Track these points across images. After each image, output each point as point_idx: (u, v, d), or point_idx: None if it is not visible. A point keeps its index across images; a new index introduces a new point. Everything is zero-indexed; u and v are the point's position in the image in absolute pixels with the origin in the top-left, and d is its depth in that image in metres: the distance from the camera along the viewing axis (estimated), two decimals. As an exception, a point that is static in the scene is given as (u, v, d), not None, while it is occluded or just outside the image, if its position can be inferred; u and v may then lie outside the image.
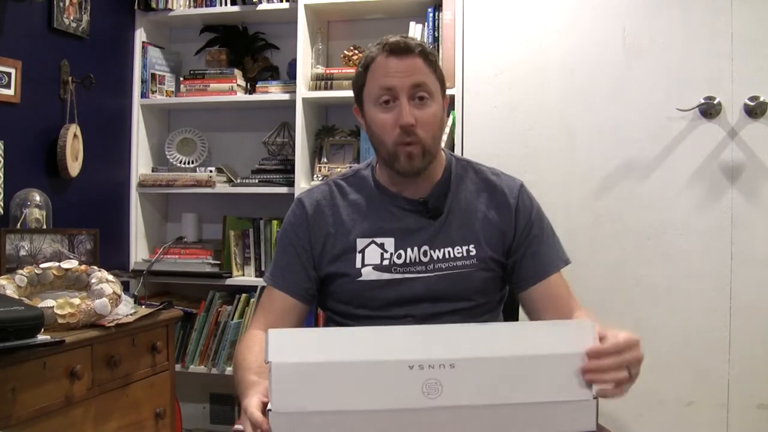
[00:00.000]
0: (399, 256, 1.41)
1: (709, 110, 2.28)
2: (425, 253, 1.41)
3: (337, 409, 0.99)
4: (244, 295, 2.67)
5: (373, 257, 1.41)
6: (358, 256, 1.42)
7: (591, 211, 2.37)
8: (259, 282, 2.66)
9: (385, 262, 1.41)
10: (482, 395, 1.01)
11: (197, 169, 2.78)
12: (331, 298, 1.47)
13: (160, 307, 2.14)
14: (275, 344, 1.00)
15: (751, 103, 2.24)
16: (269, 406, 1.00)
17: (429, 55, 1.38)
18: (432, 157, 1.40)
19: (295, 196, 1.58)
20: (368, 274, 1.40)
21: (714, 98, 2.27)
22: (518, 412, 1.03)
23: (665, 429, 2.31)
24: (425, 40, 2.48)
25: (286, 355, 0.99)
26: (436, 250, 1.42)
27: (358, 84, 1.42)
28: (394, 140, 1.36)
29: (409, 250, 1.41)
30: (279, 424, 0.99)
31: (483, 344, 1.05)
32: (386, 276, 1.40)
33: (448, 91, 1.62)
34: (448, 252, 1.42)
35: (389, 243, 1.42)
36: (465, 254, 1.42)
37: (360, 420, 1.00)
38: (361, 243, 1.42)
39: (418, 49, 1.35)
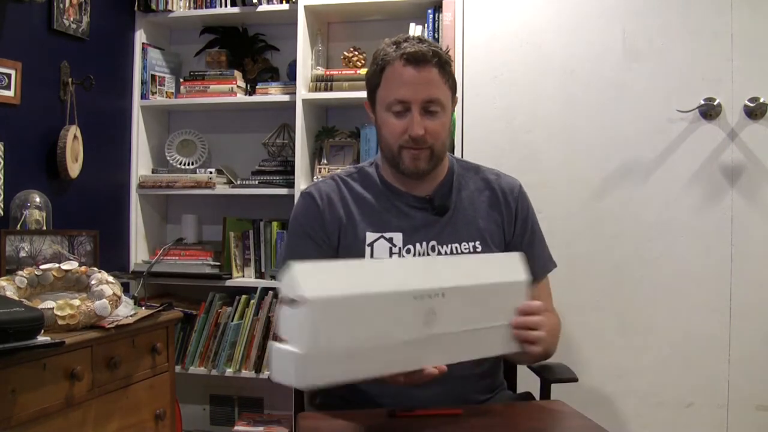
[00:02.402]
0: (408, 251, 1.44)
1: (709, 111, 2.28)
2: (433, 248, 1.45)
3: (360, 345, 1.01)
4: (244, 296, 2.67)
5: (382, 251, 1.43)
6: (367, 249, 1.44)
7: (591, 213, 2.37)
8: (259, 283, 2.66)
9: (394, 257, 1.43)
10: (462, 322, 1.13)
11: (197, 170, 2.78)
12: None
13: (160, 308, 2.14)
14: (305, 279, 0.97)
15: (751, 105, 2.24)
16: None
17: (444, 64, 1.40)
18: (438, 161, 1.45)
19: (300, 191, 1.58)
20: None
21: (714, 99, 2.27)
22: (483, 335, 1.17)
23: (665, 430, 2.31)
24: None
25: (320, 289, 0.97)
26: (444, 246, 1.45)
27: (372, 83, 1.45)
28: (401, 144, 1.40)
29: (417, 245, 1.44)
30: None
31: (461, 274, 1.14)
32: None
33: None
34: (455, 248, 1.45)
35: (398, 238, 1.44)
36: (471, 250, 1.46)
37: (375, 352, 1.03)
38: (370, 237, 1.45)
39: (434, 60, 1.38)
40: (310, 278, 0.98)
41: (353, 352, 1.00)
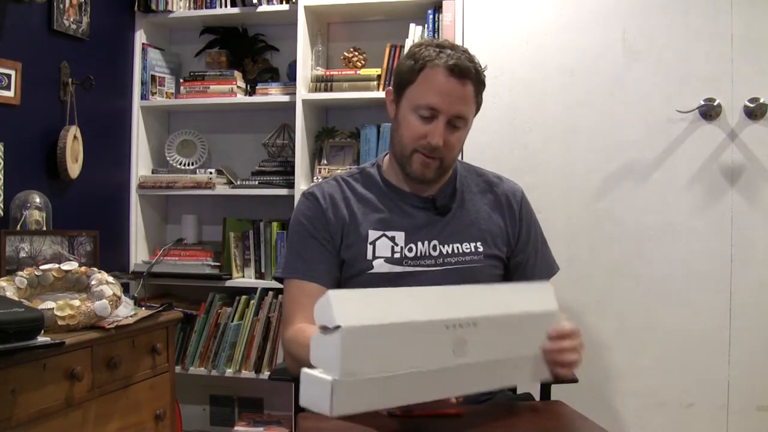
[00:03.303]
0: (410, 250, 1.44)
1: (709, 112, 2.28)
2: (434, 248, 1.45)
3: (391, 373, 1.00)
4: (244, 296, 2.67)
5: (384, 250, 1.44)
6: (369, 248, 1.44)
7: (591, 213, 2.37)
8: (259, 284, 2.66)
9: (396, 255, 1.44)
10: (493, 351, 1.12)
11: (197, 170, 2.78)
12: None
13: (160, 308, 2.15)
14: (339, 307, 0.97)
15: (751, 105, 2.24)
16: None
17: (480, 84, 1.42)
18: (444, 172, 1.46)
19: (301, 193, 1.58)
20: (380, 266, 1.43)
21: (714, 100, 2.27)
22: (513, 364, 1.17)
23: (665, 430, 2.30)
24: (425, 41, 2.48)
25: (353, 318, 0.97)
26: (446, 245, 1.46)
27: (404, 78, 1.42)
28: (415, 147, 1.41)
29: (419, 243, 1.45)
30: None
31: (492, 303, 1.14)
32: (398, 269, 1.43)
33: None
34: (457, 248, 1.46)
35: (400, 237, 1.45)
36: (473, 250, 1.47)
37: (404, 381, 1.02)
38: (372, 235, 1.45)
39: (475, 77, 1.39)
40: (343, 306, 0.97)
41: (384, 381, 0.99)
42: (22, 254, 2.05)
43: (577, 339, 1.22)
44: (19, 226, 2.11)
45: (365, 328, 0.98)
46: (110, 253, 2.62)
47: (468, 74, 1.37)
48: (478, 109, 1.46)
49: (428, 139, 1.38)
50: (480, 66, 1.42)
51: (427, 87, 1.38)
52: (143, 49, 2.80)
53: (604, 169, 2.37)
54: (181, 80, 2.81)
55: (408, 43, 2.50)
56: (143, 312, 2.02)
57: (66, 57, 2.43)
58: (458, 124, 1.40)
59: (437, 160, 1.41)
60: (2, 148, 2.13)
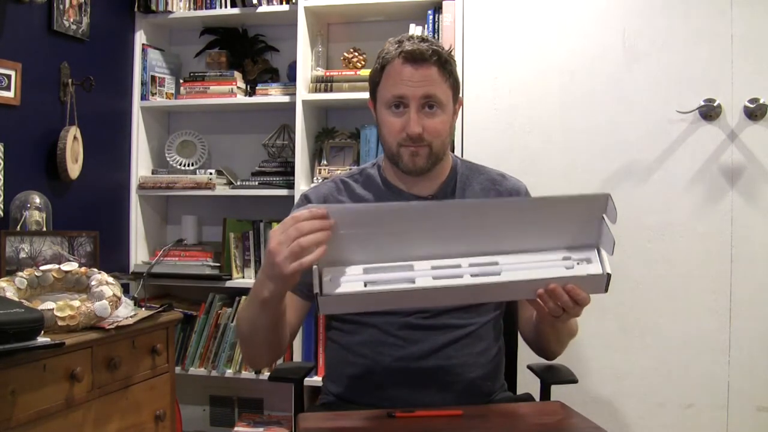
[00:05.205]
0: None
1: (709, 112, 2.28)
2: None
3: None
4: (244, 297, 2.66)
5: None
6: None
7: (591, 213, 2.37)
8: (259, 284, 2.66)
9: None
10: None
11: (197, 171, 2.78)
12: None
13: (160, 309, 2.15)
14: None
15: (751, 105, 2.24)
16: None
17: (445, 63, 1.40)
18: (437, 159, 1.44)
19: (301, 192, 1.57)
20: None
21: (714, 100, 2.27)
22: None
23: (665, 431, 2.30)
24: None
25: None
26: None
27: (373, 81, 1.46)
28: (399, 142, 1.40)
29: None
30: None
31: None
32: None
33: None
34: None
35: None
36: None
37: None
38: None
39: (433, 58, 1.38)
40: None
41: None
42: (22, 255, 2.05)
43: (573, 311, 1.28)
44: (19, 227, 2.11)
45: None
46: (110, 254, 2.62)
47: (423, 57, 1.37)
48: (456, 90, 1.45)
49: (406, 129, 1.38)
50: (441, 47, 1.41)
51: (389, 81, 1.40)
52: (143, 49, 2.80)
53: (604, 169, 2.37)
54: (181, 81, 2.82)
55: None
56: (143, 312, 2.02)
57: (66, 57, 2.43)
58: (433, 107, 1.39)
59: (425, 148, 1.40)
60: (2, 149, 2.13)
